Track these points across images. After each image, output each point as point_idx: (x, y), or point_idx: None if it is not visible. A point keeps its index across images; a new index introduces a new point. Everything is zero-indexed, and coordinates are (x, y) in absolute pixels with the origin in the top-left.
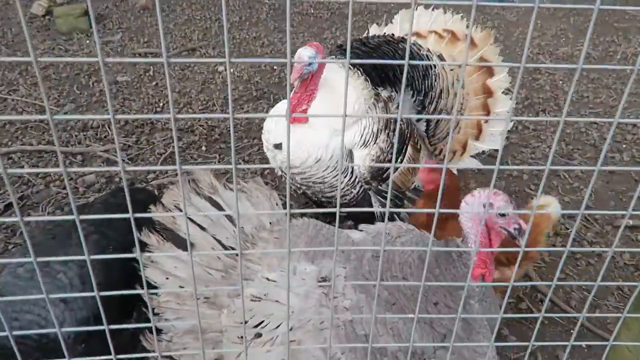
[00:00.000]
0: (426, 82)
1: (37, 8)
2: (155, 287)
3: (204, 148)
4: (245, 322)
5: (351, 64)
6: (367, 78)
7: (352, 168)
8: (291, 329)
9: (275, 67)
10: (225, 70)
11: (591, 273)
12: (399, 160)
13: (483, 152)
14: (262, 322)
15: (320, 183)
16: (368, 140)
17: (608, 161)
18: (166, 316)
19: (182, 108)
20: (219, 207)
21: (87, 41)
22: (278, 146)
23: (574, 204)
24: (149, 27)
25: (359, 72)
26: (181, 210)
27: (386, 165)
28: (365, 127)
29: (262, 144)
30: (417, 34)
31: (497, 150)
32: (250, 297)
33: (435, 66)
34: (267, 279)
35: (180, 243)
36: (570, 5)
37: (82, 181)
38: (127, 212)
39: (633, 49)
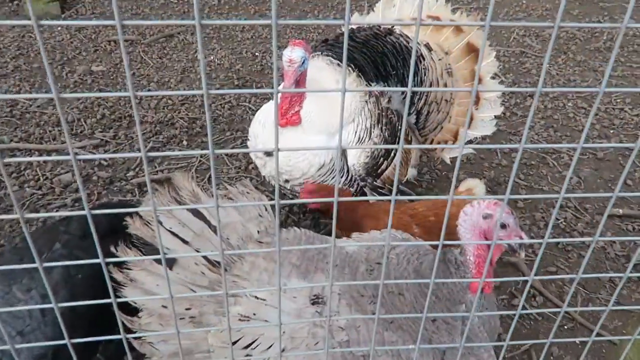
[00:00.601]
0: (416, 78)
1: None
2: (136, 308)
3: (185, 142)
4: (234, 343)
5: (340, 59)
6: (360, 74)
7: (348, 167)
8: (283, 350)
9: (257, 54)
10: (209, 58)
11: (583, 266)
12: (392, 154)
13: (475, 138)
14: (252, 342)
15: None
16: (362, 137)
17: (596, 148)
18: (149, 339)
19: (160, 99)
20: (202, 217)
21: (59, 28)
22: (270, 154)
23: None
24: (124, 12)
25: (350, 68)
26: (161, 222)
27: (394, 146)
28: (359, 124)
29: (245, 136)
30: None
31: (487, 137)
32: (238, 316)
33: (424, 58)
34: (256, 297)
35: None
36: None
37: (58, 181)
38: (102, 232)
39: (618, 29)
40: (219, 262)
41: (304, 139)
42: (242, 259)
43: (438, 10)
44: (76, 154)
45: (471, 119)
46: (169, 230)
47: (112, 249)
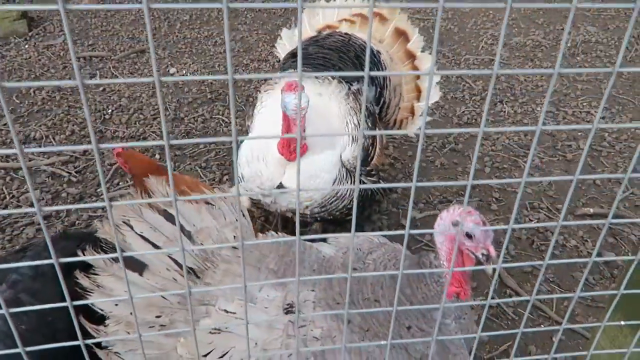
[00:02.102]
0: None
1: None
2: (102, 317)
3: (157, 156)
4: (206, 355)
5: (315, 69)
6: (341, 79)
7: (345, 167)
8: None
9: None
10: (177, 73)
11: (557, 264)
12: (375, 140)
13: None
14: (224, 355)
15: (336, 200)
16: (355, 135)
17: (565, 150)
18: (116, 349)
19: (132, 114)
20: (175, 222)
21: (26, 45)
22: (281, 187)
23: (535, 194)
24: (94, 29)
25: (329, 78)
26: (131, 227)
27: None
28: (348, 123)
29: (220, 148)
30: (328, 26)
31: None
32: (208, 329)
33: (380, 54)
34: (226, 311)
35: (132, 264)
36: None
37: (26, 199)
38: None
39: (582, 36)
40: (192, 269)
41: (315, 161)
42: (215, 265)
43: (360, 9)
44: (60, 120)
45: (420, 91)
46: (139, 235)
47: (80, 253)
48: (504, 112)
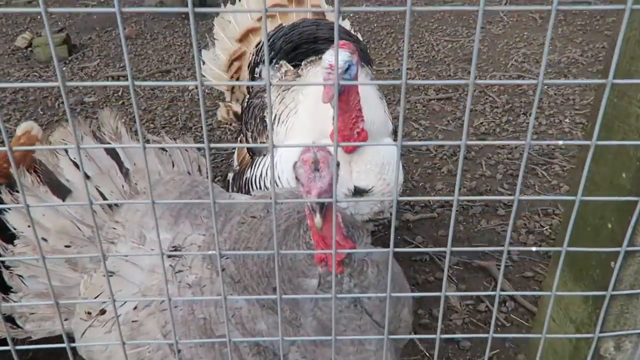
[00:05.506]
0: None
1: (21, 41)
2: (14, 236)
3: None
4: (96, 297)
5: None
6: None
7: None
8: (135, 308)
9: None
10: (196, 88)
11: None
12: None
13: None
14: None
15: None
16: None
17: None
18: (19, 272)
19: (144, 124)
20: (114, 156)
21: (64, 68)
22: (365, 191)
23: (552, 202)
24: (128, 54)
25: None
26: (66, 151)
27: None
28: (385, 106)
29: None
30: (250, 31)
31: (453, 114)
32: (103, 273)
33: None
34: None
35: (58, 189)
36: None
37: None
38: None
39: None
40: (115, 205)
41: (380, 149)
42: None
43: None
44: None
45: None
46: (72, 161)
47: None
48: (527, 123)
